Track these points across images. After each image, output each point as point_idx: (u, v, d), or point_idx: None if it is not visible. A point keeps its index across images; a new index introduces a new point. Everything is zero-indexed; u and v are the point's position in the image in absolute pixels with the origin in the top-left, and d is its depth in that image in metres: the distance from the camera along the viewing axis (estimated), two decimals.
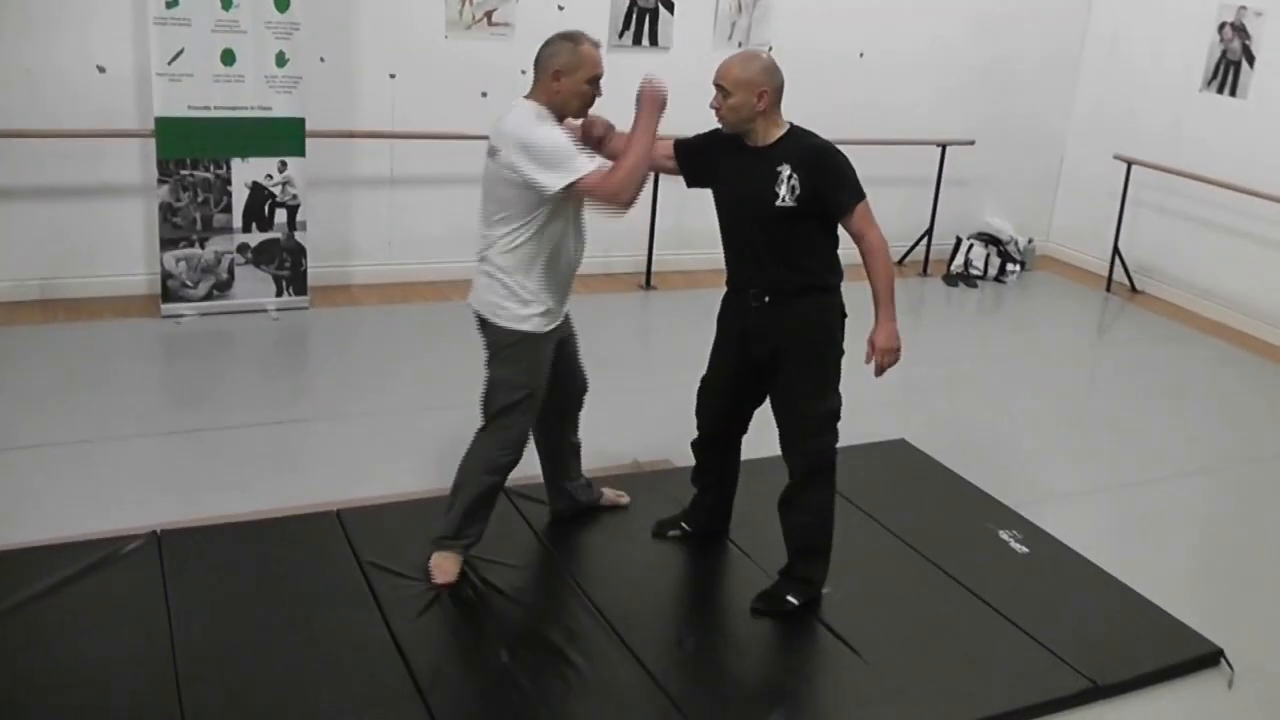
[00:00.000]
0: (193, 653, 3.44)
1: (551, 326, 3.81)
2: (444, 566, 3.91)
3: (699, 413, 4.11)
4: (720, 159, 3.84)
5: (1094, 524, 4.75)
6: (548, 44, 3.68)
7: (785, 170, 3.66)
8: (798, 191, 3.64)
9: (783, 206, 3.65)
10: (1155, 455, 5.54)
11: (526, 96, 3.71)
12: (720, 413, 4.06)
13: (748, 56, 3.77)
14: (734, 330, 3.92)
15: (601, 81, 3.70)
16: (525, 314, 3.74)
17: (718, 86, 3.71)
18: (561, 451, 4.23)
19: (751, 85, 3.65)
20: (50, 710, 3.20)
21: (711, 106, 3.74)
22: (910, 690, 3.57)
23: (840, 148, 3.76)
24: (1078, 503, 4.95)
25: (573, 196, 3.64)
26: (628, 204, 3.62)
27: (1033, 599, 4.10)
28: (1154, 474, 5.34)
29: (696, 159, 3.91)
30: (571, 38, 3.67)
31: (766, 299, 3.78)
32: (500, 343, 3.79)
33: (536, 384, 3.82)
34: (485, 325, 3.82)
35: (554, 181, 3.54)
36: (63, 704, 3.22)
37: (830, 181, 3.68)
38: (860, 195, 3.69)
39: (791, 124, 3.77)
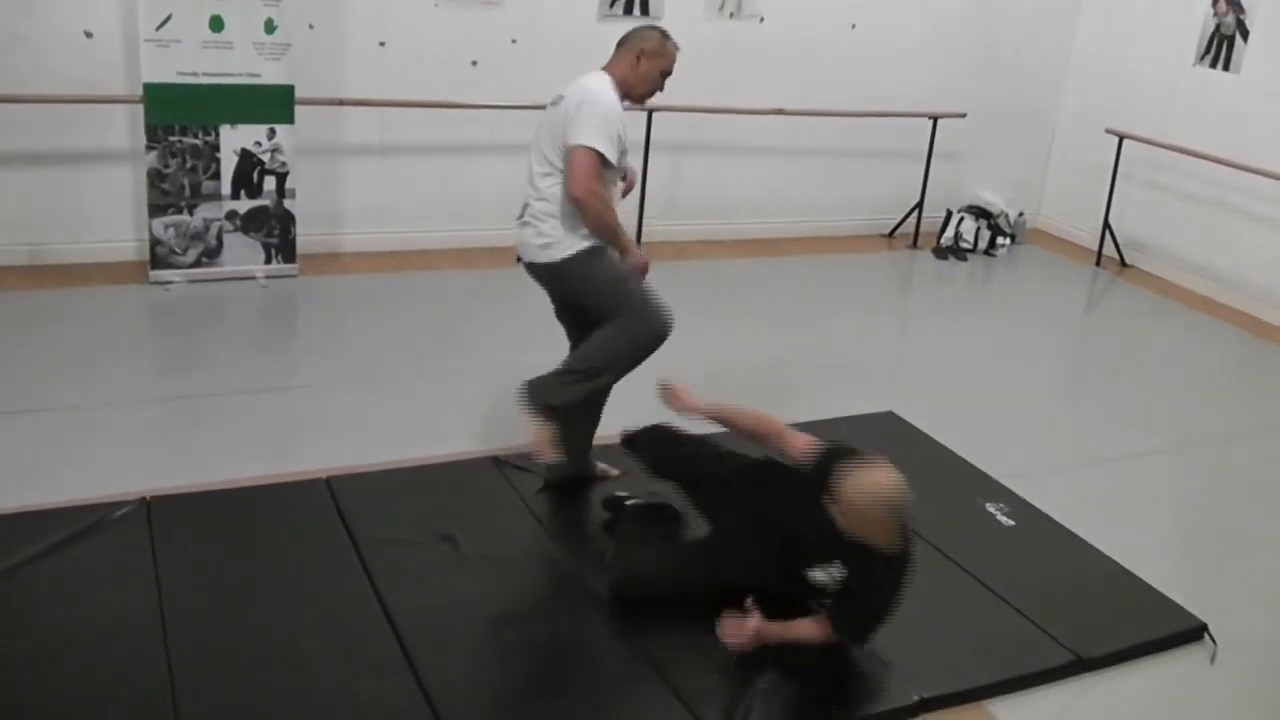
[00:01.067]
0: (181, 619, 3.45)
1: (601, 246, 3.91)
2: (550, 439, 3.87)
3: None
4: None
5: (1080, 497, 4.76)
6: (640, 29, 3.97)
7: None
8: None
9: None
10: (1143, 429, 5.56)
11: (604, 68, 3.91)
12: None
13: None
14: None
15: (668, 80, 3.96)
16: (577, 237, 3.84)
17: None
18: (596, 405, 4.24)
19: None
20: (39, 675, 3.21)
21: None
22: (894, 662, 3.59)
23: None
24: (1064, 476, 4.97)
25: (569, 157, 3.76)
26: (576, 203, 3.77)
27: (1018, 572, 4.12)
28: (1141, 448, 5.36)
29: None
30: (662, 30, 3.97)
31: None
32: (573, 271, 3.88)
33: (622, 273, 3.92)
34: (549, 272, 3.92)
35: (574, 137, 3.72)
36: (52, 669, 3.23)
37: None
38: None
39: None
